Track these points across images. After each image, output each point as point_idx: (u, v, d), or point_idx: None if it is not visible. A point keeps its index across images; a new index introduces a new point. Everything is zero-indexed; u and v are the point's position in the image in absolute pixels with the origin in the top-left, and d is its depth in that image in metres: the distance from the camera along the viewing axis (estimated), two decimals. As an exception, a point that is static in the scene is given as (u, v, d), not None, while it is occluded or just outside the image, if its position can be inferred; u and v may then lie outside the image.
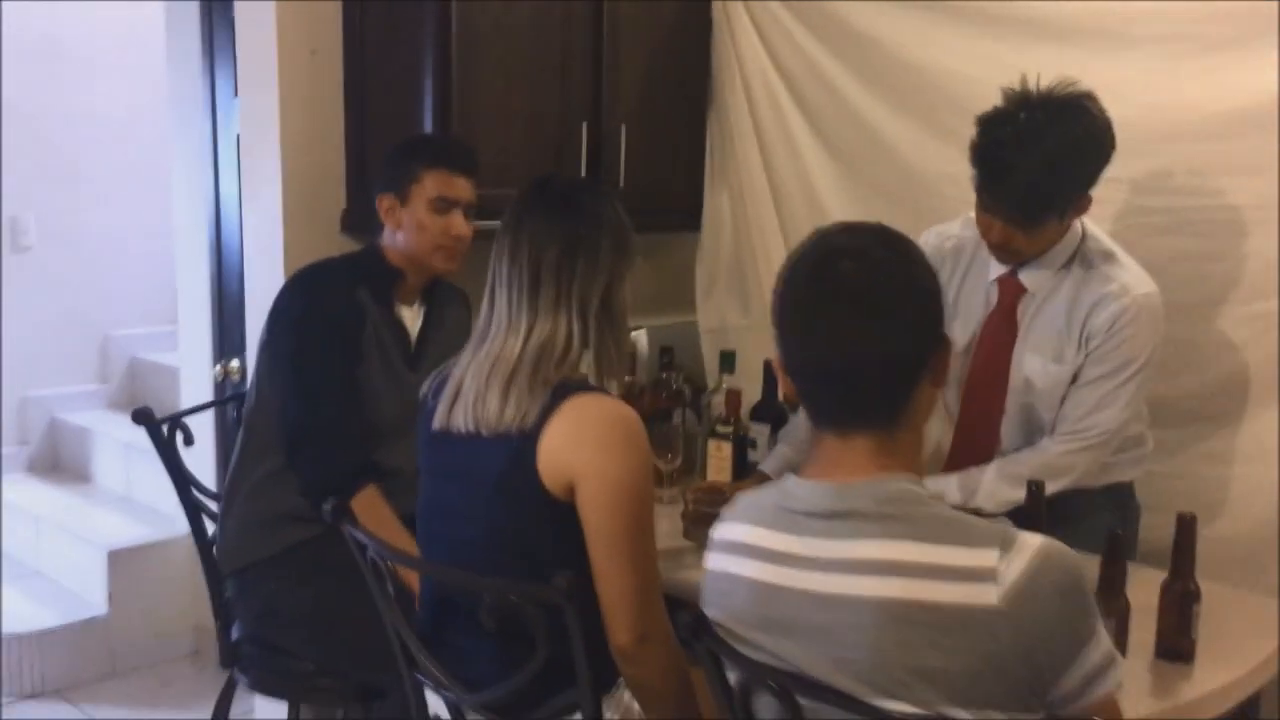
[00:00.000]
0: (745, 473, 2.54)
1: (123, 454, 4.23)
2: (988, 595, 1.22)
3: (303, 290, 2.34)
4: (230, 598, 2.39)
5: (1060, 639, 1.25)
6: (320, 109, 2.79)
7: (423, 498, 1.91)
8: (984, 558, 1.24)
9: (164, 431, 2.38)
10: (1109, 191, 2.55)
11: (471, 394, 1.76)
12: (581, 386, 1.73)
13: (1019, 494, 2.12)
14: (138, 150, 4.59)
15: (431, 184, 2.35)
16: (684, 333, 3.16)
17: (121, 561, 3.68)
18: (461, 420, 1.76)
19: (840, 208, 3.00)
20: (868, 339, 1.32)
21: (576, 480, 1.67)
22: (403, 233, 2.37)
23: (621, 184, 2.89)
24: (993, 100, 2.69)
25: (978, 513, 1.84)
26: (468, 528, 1.77)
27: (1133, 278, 2.18)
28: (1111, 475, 2.30)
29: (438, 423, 1.81)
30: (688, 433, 2.73)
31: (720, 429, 2.61)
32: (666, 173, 3.08)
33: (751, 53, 3.08)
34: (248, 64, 2.84)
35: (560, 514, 1.68)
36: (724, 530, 1.45)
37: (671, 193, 3.13)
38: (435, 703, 1.85)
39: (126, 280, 4.73)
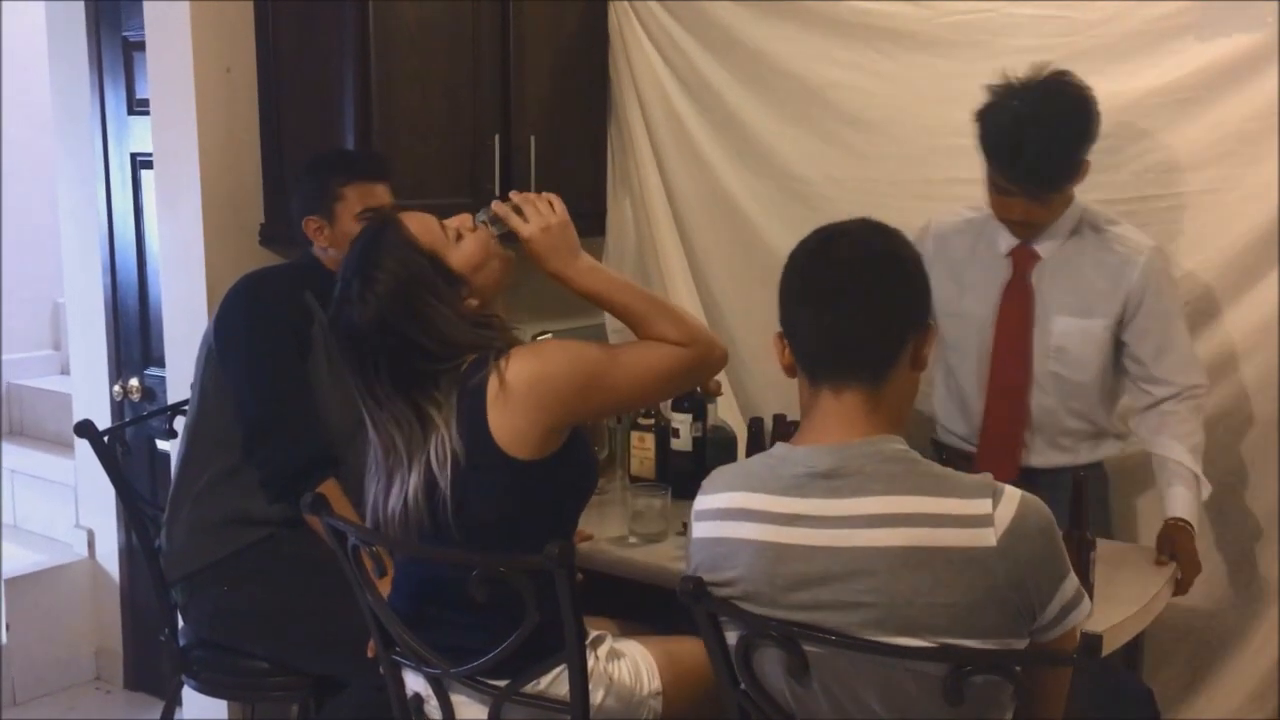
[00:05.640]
0: (668, 461, 2.69)
1: (8, 481, 4.13)
2: (987, 538, 1.41)
3: (252, 292, 2.40)
4: (179, 604, 2.42)
5: (1044, 571, 1.45)
6: (237, 125, 2.85)
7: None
8: (979, 506, 1.42)
9: (105, 442, 2.41)
10: (975, 190, 2.81)
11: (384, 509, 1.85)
12: (483, 364, 1.80)
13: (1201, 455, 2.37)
14: (12, 171, 4.48)
15: (354, 197, 2.43)
16: (596, 335, 3.30)
17: (17, 590, 3.61)
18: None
19: (736, 211, 3.17)
20: (861, 299, 1.51)
21: (551, 424, 1.77)
22: (335, 249, 2.44)
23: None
24: (870, 107, 2.94)
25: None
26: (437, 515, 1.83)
27: (1139, 233, 2.41)
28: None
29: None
30: (610, 426, 2.87)
31: (642, 421, 2.75)
32: (574, 180, 3.21)
33: (643, 59, 3.23)
34: (160, 83, 2.87)
35: (533, 472, 1.78)
36: (711, 500, 1.59)
37: (579, 200, 3.27)
38: (413, 683, 1.94)
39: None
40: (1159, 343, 2.38)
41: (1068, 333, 2.40)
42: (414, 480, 1.79)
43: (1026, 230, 2.41)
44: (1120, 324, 2.39)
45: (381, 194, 2.47)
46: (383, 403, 1.81)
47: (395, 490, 1.82)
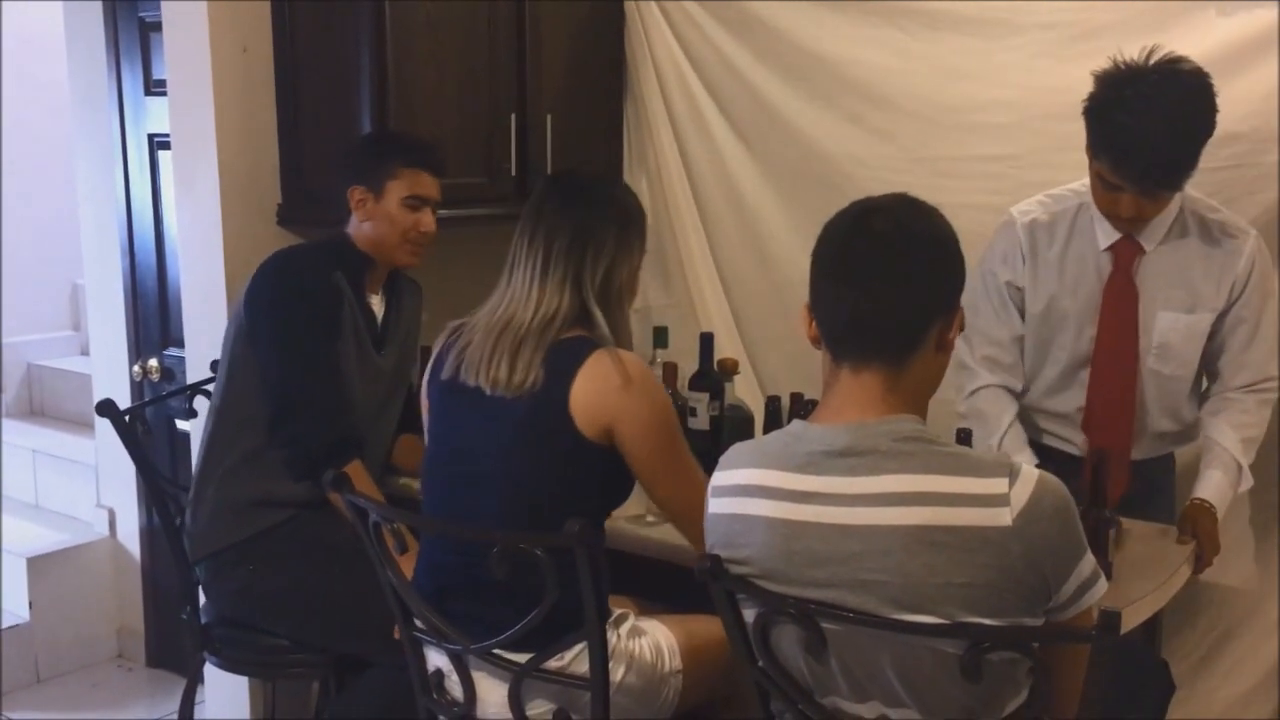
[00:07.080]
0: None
1: (30, 461, 4.16)
2: (1003, 517, 1.40)
3: (282, 271, 2.41)
4: (201, 582, 2.44)
5: (1060, 550, 1.44)
6: (253, 105, 2.85)
7: (430, 448, 2.03)
8: (996, 485, 1.42)
9: (126, 422, 2.42)
10: (996, 167, 2.81)
11: (479, 353, 1.94)
12: (598, 343, 1.92)
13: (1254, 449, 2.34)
14: (30, 155, 4.50)
15: (407, 181, 2.45)
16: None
17: (40, 569, 3.65)
18: (473, 376, 1.94)
19: (754, 189, 3.17)
20: (889, 280, 1.49)
21: (614, 424, 1.89)
22: (372, 224, 2.46)
23: (548, 172, 3.01)
24: (891, 84, 2.93)
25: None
26: (482, 463, 1.93)
27: (1239, 219, 2.30)
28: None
29: (447, 372, 1.99)
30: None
31: (660, 400, 2.75)
32: (590, 158, 3.21)
33: (663, 44, 3.23)
34: (177, 63, 2.87)
35: (589, 452, 1.90)
36: (728, 476, 1.59)
37: (595, 179, 3.27)
38: (434, 659, 1.96)
39: (19, 286, 4.64)
40: (1251, 332, 2.31)
41: (1173, 329, 2.31)
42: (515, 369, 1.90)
43: (1132, 224, 2.27)
44: (1221, 315, 2.31)
45: (433, 186, 2.50)
46: (543, 270, 1.95)
47: (498, 356, 1.92)
